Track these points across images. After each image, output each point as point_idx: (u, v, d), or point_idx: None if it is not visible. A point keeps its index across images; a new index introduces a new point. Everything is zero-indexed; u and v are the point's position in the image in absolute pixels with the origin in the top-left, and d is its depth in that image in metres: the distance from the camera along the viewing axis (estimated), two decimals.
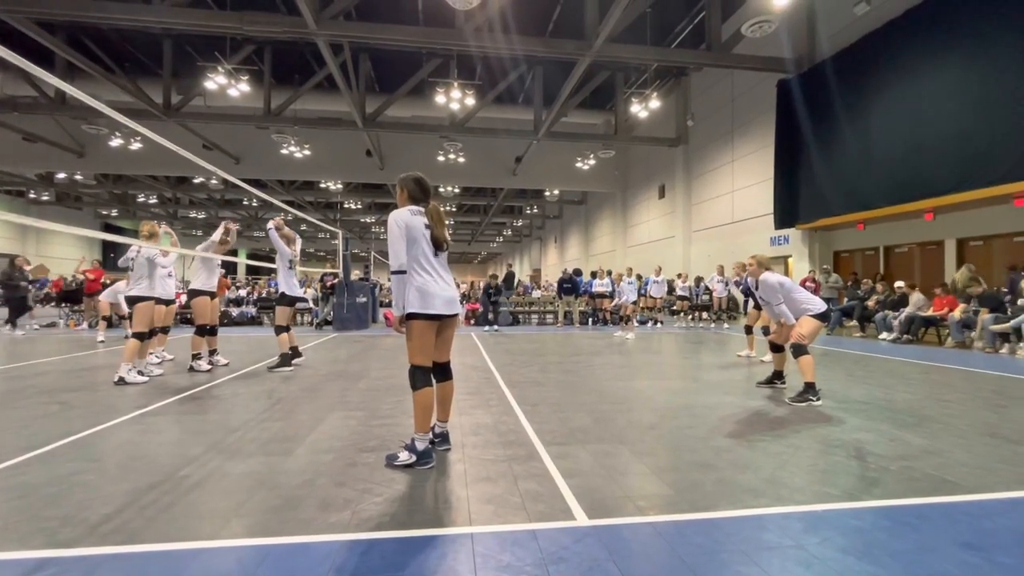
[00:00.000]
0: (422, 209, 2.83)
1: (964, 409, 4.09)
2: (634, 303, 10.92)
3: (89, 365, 6.35)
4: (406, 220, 2.73)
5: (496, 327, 12.72)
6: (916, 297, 9.26)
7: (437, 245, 2.80)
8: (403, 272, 2.70)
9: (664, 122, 19.29)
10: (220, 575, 1.73)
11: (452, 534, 2.00)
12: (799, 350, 4.28)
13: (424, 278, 2.73)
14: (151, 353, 6.06)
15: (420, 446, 2.68)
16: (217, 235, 6.21)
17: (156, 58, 15.46)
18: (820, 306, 4.45)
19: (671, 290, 15.39)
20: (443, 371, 2.95)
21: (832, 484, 2.49)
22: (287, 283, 6.16)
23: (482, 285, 14.75)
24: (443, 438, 3.03)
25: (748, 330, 7.27)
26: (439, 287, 2.74)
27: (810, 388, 4.21)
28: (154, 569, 1.76)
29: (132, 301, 5.36)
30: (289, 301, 6.19)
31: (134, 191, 28.03)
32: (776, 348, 4.95)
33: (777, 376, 4.95)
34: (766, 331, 5.78)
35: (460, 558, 1.82)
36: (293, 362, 6.09)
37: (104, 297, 9.74)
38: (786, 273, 13.78)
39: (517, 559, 1.81)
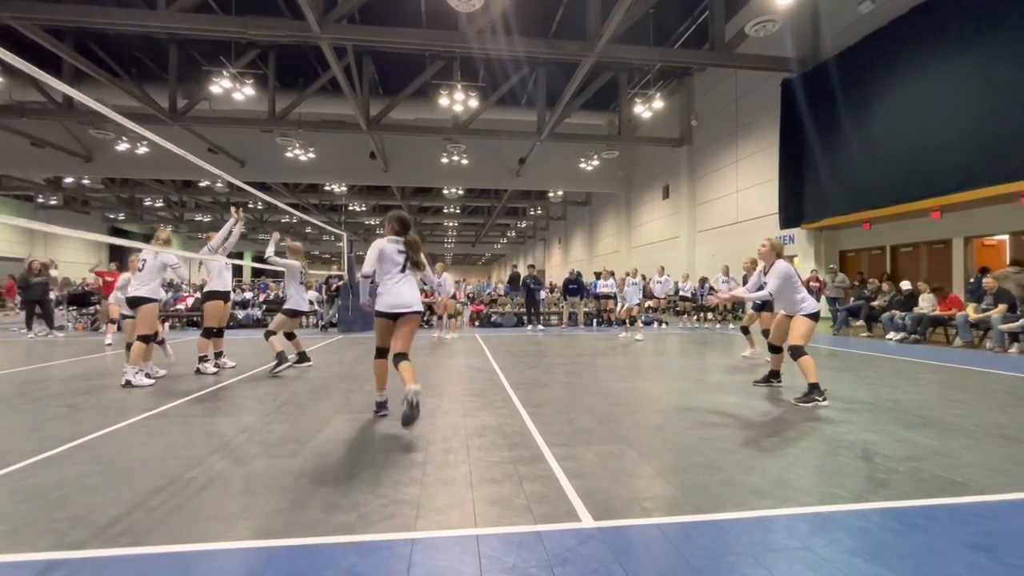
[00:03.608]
0: (400, 239, 3.83)
1: (973, 409, 4.06)
2: (639, 304, 10.89)
3: (96, 368, 6.39)
4: (381, 247, 3.75)
5: (541, 327, 12.32)
6: (930, 296, 9.15)
7: (415, 265, 3.80)
8: (367, 277, 3.79)
9: (668, 122, 19.24)
10: None
11: (457, 536, 2.00)
12: (797, 351, 4.28)
13: (382, 288, 3.75)
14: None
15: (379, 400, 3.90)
16: (229, 225, 5.80)
17: (162, 63, 15.59)
18: (815, 307, 4.48)
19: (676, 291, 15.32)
20: (401, 357, 3.62)
21: (839, 485, 2.48)
22: (297, 297, 6.02)
23: (522, 278, 12.98)
24: (408, 404, 3.31)
25: (744, 331, 7.27)
26: (391, 295, 3.69)
27: (815, 388, 4.19)
28: (161, 571, 1.77)
29: (135, 303, 5.14)
30: (292, 314, 6.08)
31: (141, 195, 28.28)
32: (774, 349, 4.95)
33: (773, 375, 4.98)
34: (766, 333, 5.76)
35: (465, 560, 1.82)
36: (299, 365, 6.09)
37: (113, 300, 9.80)
38: None
39: (522, 561, 1.81)
